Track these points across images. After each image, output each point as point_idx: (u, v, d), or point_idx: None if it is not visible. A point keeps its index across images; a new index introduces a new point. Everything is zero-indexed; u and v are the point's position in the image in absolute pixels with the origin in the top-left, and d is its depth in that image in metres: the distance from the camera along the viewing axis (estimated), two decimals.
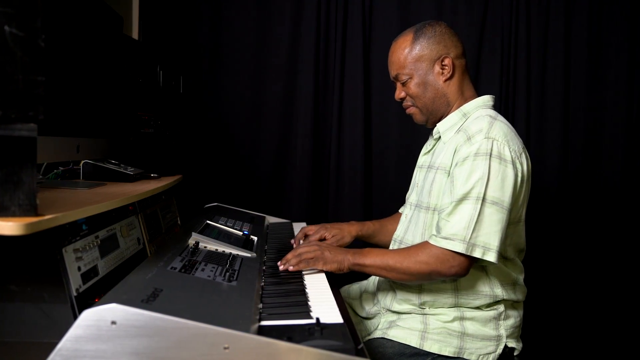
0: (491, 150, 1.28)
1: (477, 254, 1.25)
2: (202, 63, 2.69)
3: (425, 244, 1.31)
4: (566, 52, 2.59)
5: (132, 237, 1.39)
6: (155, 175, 1.79)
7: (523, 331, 1.48)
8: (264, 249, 1.64)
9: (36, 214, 0.90)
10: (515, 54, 2.60)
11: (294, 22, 2.68)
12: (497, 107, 2.52)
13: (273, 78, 2.70)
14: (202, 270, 1.19)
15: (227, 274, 1.19)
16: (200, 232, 1.50)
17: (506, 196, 1.28)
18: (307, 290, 1.24)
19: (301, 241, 1.66)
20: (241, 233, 1.68)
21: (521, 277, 1.44)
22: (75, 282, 1.02)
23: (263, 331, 0.98)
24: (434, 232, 1.32)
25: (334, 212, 2.70)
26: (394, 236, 1.57)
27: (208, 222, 1.69)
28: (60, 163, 1.66)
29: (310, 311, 1.09)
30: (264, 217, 2.20)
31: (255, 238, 1.68)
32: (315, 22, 2.65)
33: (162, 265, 1.16)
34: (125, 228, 1.34)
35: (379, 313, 1.53)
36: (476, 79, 2.65)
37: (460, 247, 1.25)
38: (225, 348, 0.86)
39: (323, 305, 1.13)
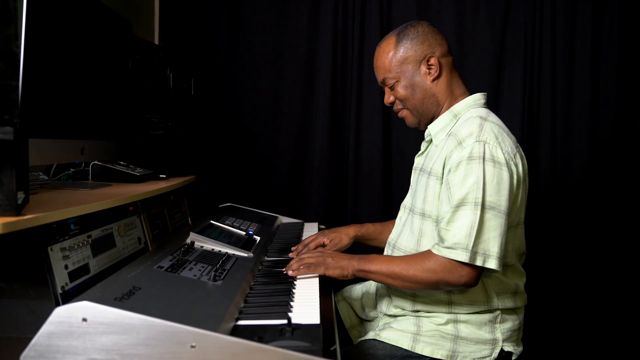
0: (484, 153, 1.24)
1: (478, 262, 1.21)
2: (221, 65, 2.73)
3: (429, 253, 1.28)
4: (594, 44, 2.48)
5: (132, 237, 1.42)
6: (164, 176, 1.83)
7: (527, 335, 1.43)
8: (265, 249, 1.65)
9: (17, 214, 0.94)
10: (540, 47, 2.52)
11: (311, 22, 2.69)
12: (522, 104, 2.51)
13: (291, 78, 2.72)
14: (190, 269, 1.20)
15: (215, 273, 1.20)
16: (200, 232, 1.52)
17: (503, 200, 1.24)
18: (294, 290, 1.25)
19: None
20: (244, 233, 1.69)
21: (521, 284, 1.40)
22: (61, 280, 1.05)
23: (237, 330, 0.99)
24: (437, 242, 1.28)
25: (352, 211, 2.69)
26: (388, 239, 1.55)
27: (212, 222, 1.71)
28: (72, 164, 1.72)
29: (290, 311, 1.09)
30: (277, 217, 2.21)
31: (258, 238, 1.69)
32: (332, 22, 2.65)
33: (149, 264, 1.18)
34: (123, 228, 1.38)
35: (377, 317, 1.52)
36: (499, 74, 2.58)
37: (463, 256, 1.21)
38: (192, 347, 0.87)
39: (306, 306, 1.13)
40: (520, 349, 1.38)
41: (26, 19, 1.17)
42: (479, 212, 1.22)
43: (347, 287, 1.74)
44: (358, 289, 1.68)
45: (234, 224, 1.81)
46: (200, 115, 2.66)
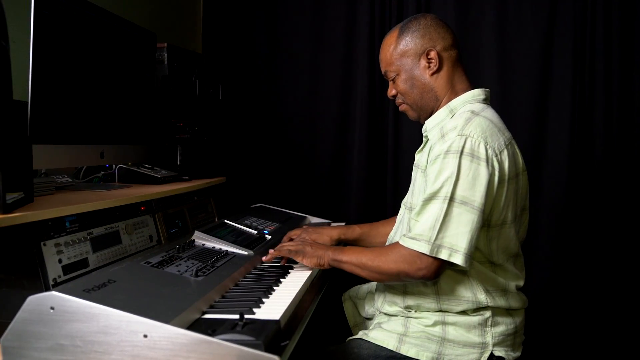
0: (463, 147, 1.22)
1: (443, 255, 1.19)
2: (260, 69, 2.82)
3: (396, 244, 1.28)
4: None
5: (141, 235, 1.52)
6: (187, 177, 1.93)
7: (529, 338, 1.36)
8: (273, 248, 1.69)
9: (3, 212, 1.05)
10: (593, 35, 2.35)
11: (348, 22, 2.71)
12: (572, 100, 2.36)
13: (328, 79, 2.76)
14: (177, 265, 1.27)
15: (200, 269, 1.26)
16: (207, 230, 1.59)
17: (477, 196, 1.20)
18: (276, 288, 1.28)
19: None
20: (256, 232, 1.74)
21: (513, 284, 1.33)
22: (53, 273, 1.16)
23: (198, 323, 1.04)
24: (404, 232, 1.28)
25: (392, 212, 2.67)
26: (389, 236, 1.55)
27: (225, 221, 1.78)
28: (103, 167, 1.86)
29: (258, 307, 1.12)
30: (305, 217, 2.25)
31: (269, 237, 1.73)
32: (369, 22, 2.65)
33: (138, 259, 1.26)
34: (130, 226, 1.48)
35: (375, 314, 1.51)
36: (546, 68, 2.45)
37: (424, 248, 1.20)
38: (144, 336, 0.93)
39: (277, 303, 1.16)
40: (517, 354, 1.32)
41: (34, 33, 1.30)
42: (446, 205, 1.20)
43: (354, 287, 1.74)
44: (364, 288, 1.68)
45: (252, 223, 1.86)
46: (236, 118, 2.77)
